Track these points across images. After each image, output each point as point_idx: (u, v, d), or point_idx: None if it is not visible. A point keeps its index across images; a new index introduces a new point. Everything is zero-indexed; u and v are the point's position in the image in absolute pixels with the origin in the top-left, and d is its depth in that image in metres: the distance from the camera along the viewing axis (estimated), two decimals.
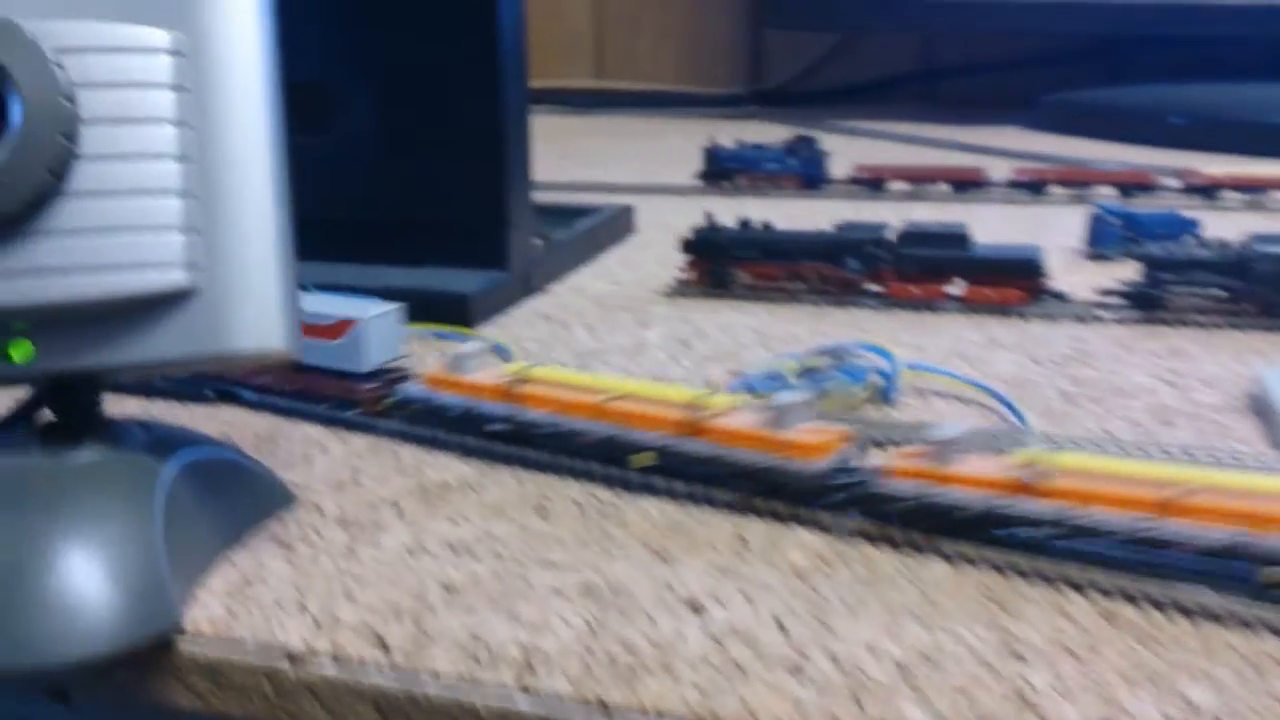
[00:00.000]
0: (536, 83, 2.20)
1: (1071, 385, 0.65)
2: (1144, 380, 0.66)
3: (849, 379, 0.63)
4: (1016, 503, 0.45)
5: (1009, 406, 0.62)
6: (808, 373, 0.67)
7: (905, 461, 0.48)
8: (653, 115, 2.03)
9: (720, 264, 0.85)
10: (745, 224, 0.85)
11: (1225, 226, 0.88)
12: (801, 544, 0.48)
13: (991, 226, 1.07)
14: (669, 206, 1.20)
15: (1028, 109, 1.74)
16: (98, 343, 0.42)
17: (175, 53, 0.43)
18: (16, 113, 0.40)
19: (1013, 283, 0.79)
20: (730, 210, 1.22)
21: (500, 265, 0.83)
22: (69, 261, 0.41)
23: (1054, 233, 1.02)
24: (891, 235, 0.82)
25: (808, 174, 1.23)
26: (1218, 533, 0.42)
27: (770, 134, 1.79)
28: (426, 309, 0.77)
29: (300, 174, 0.88)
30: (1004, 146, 1.51)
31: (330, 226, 0.84)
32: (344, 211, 0.85)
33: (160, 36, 0.43)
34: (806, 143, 1.24)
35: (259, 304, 0.43)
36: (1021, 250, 0.80)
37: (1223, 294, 0.76)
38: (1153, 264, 0.77)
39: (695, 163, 1.30)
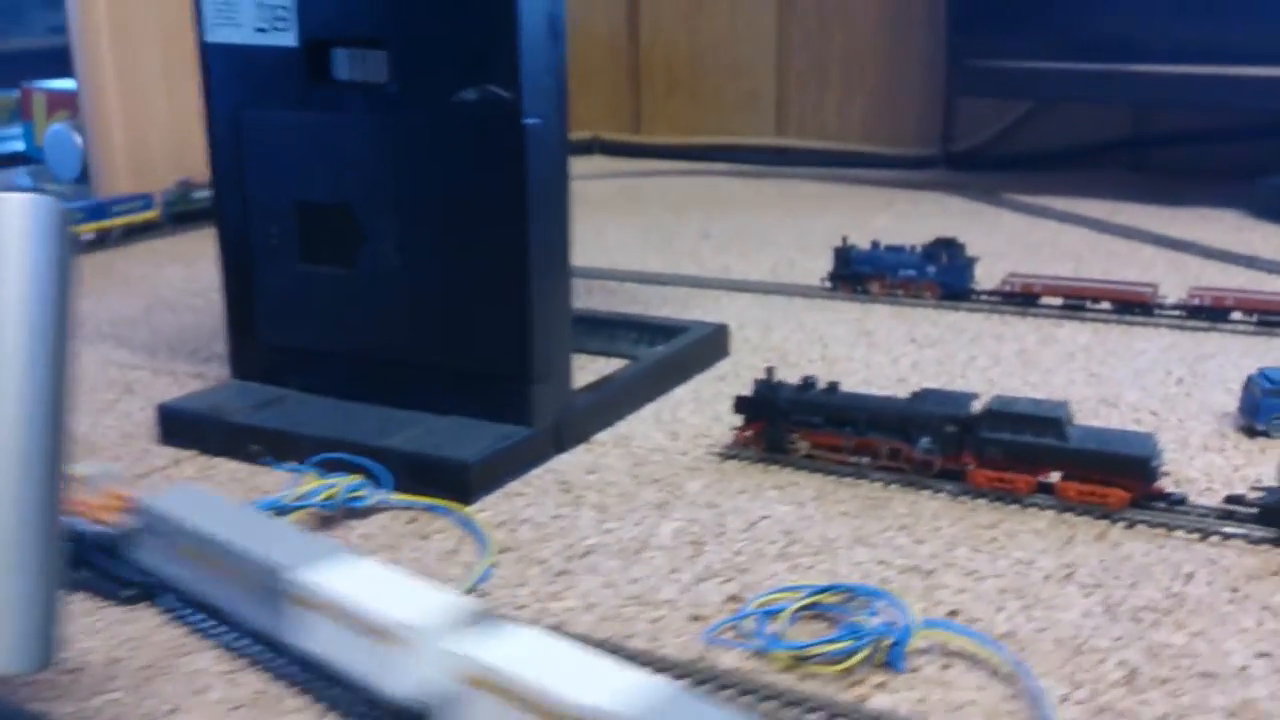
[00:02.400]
0: (714, 140, 2.13)
1: (1144, 658, 0.51)
2: (1243, 661, 0.51)
3: (849, 637, 0.51)
4: None
5: (1039, 699, 0.49)
6: (814, 609, 0.55)
7: None
8: (834, 178, 1.91)
9: (777, 428, 0.74)
10: (808, 384, 0.74)
11: None
12: None
13: (1147, 361, 0.92)
14: (784, 315, 1.08)
15: (1251, 184, 1.53)
16: None
17: None
18: None
19: (1116, 482, 0.65)
20: (857, 320, 1.10)
21: (524, 420, 0.74)
22: None
23: (1214, 383, 0.86)
24: (976, 411, 0.69)
25: (948, 283, 1.09)
26: None
27: (950, 207, 1.64)
28: (426, 475, 0.69)
29: (325, 305, 0.83)
30: (1207, 243, 1.32)
31: (354, 362, 0.78)
32: (369, 348, 0.78)
33: None
34: (949, 247, 1.10)
35: None
36: (1131, 441, 0.66)
37: None
38: None
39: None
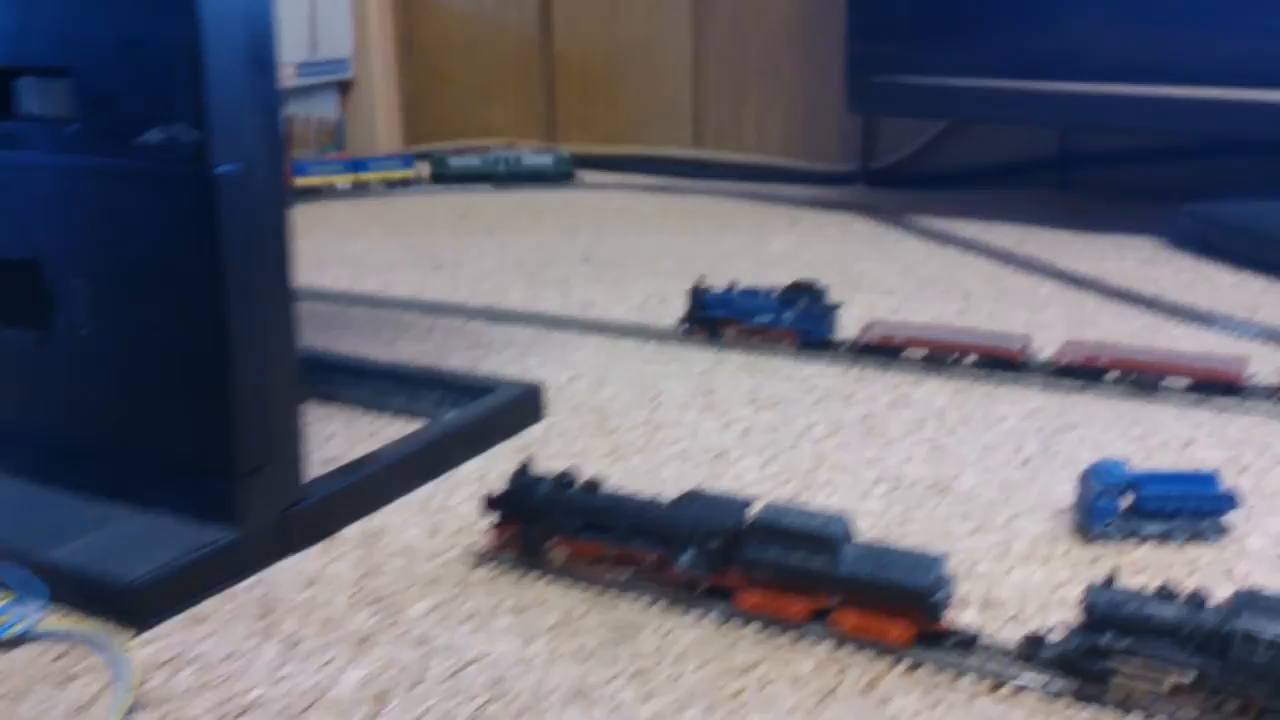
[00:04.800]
0: (631, 150, 2.01)
1: None
2: None
3: None
4: None
5: None
6: None
7: None
8: (748, 194, 1.80)
9: (533, 532, 0.63)
10: (565, 480, 0.63)
11: None
12: None
13: (1002, 432, 0.81)
14: (626, 366, 0.97)
15: (1178, 207, 1.42)
16: None
17: None
18: None
19: (897, 615, 0.54)
20: (703, 373, 0.99)
21: (231, 521, 0.63)
22: None
23: (1065, 465, 0.75)
24: (744, 522, 0.58)
25: (807, 331, 0.98)
26: None
27: (855, 230, 1.54)
28: (91, 595, 0.58)
29: (19, 374, 0.72)
30: (1112, 280, 1.21)
31: (56, 443, 0.67)
32: (68, 427, 0.67)
33: None
34: (808, 292, 0.99)
35: None
36: (914, 567, 0.55)
37: (1191, 678, 0.49)
38: (1095, 617, 0.51)
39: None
